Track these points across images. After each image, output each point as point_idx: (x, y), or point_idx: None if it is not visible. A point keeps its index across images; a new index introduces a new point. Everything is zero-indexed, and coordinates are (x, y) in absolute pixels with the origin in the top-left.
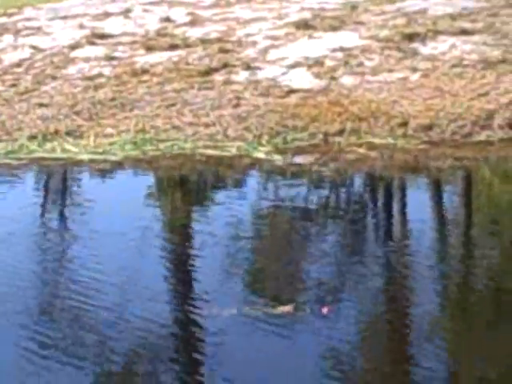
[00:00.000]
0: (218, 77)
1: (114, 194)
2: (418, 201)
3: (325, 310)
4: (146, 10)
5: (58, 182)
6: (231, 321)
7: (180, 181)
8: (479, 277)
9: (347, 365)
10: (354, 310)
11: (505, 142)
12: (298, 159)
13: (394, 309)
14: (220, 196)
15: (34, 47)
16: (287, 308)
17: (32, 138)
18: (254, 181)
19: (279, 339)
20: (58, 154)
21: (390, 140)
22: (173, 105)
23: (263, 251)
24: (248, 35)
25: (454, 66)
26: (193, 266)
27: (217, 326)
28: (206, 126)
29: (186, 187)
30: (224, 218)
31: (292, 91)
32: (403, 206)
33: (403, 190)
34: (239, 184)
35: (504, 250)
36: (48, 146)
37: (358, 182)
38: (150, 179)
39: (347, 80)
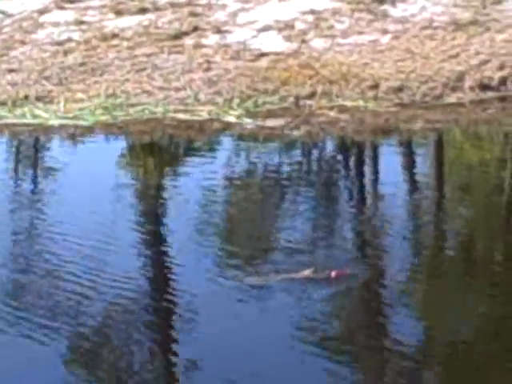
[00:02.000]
0: (189, 41)
1: (85, 159)
2: (390, 163)
3: (333, 274)
4: None
5: (28, 148)
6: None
7: (151, 145)
8: (449, 238)
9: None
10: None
11: (475, 103)
12: (269, 122)
13: (366, 271)
14: (192, 160)
15: (2, 12)
16: (307, 272)
17: (1, 103)
18: (225, 144)
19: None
20: (29, 120)
21: (361, 102)
22: (143, 69)
23: (236, 216)
24: None
25: (424, 28)
26: (166, 230)
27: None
28: (177, 90)
29: (157, 151)
30: (196, 182)
31: (262, 55)
32: (375, 168)
33: (374, 152)
34: (211, 148)
35: (474, 211)
36: (18, 111)
37: (330, 144)
38: (121, 144)
39: (318, 43)
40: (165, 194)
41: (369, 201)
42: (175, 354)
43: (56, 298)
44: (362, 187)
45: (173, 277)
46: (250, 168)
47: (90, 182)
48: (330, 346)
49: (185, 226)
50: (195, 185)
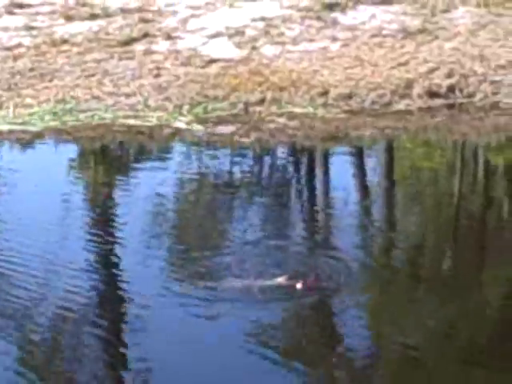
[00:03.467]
0: (139, 47)
1: (33, 165)
2: (339, 170)
3: (299, 286)
4: None
5: None
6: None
7: (101, 151)
8: (399, 242)
9: None
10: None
11: (423, 110)
12: (219, 129)
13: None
14: (141, 166)
15: None
16: (280, 279)
17: None
18: (174, 151)
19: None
20: None
21: (311, 109)
22: (93, 75)
23: (188, 222)
24: (168, 5)
25: (373, 35)
26: (116, 238)
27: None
28: (127, 96)
29: (106, 157)
30: (146, 189)
31: (213, 61)
32: (324, 175)
33: (324, 159)
34: (160, 154)
35: (424, 216)
36: None
37: (279, 151)
38: (70, 150)
39: (268, 50)
40: (114, 201)
41: (319, 207)
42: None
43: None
44: (312, 194)
45: (126, 286)
46: (200, 174)
47: (39, 187)
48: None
49: (136, 233)
50: (145, 191)
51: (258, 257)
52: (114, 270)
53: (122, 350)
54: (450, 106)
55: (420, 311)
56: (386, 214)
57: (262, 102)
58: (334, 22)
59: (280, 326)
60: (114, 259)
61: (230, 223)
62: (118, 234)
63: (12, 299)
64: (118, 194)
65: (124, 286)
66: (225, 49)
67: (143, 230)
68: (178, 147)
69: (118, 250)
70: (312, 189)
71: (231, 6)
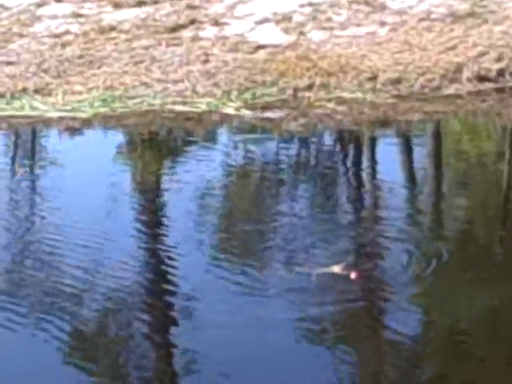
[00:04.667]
0: (186, 33)
1: (84, 152)
2: (389, 155)
3: (353, 276)
4: None
5: (27, 140)
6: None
7: (150, 137)
8: (449, 231)
9: None
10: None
11: (473, 95)
12: (268, 114)
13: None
14: (191, 152)
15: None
16: (336, 268)
17: (0, 96)
18: (223, 136)
19: None
20: (27, 112)
21: (359, 94)
22: (141, 61)
23: (238, 209)
24: None
25: (422, 19)
26: (166, 225)
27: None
28: (175, 82)
29: (156, 144)
30: (196, 175)
31: (260, 47)
32: (374, 161)
33: (373, 144)
34: (209, 140)
35: (474, 204)
36: (16, 103)
37: (328, 136)
38: (119, 136)
39: (316, 35)
40: (164, 187)
41: (368, 194)
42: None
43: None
44: (360, 180)
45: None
46: (249, 160)
47: (89, 174)
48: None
49: (186, 220)
50: (194, 178)
51: (308, 244)
52: (162, 260)
53: (170, 341)
54: (500, 90)
55: (472, 298)
56: (433, 201)
57: (310, 87)
58: (382, 7)
59: (330, 317)
60: (163, 248)
61: (276, 212)
62: (165, 221)
63: (58, 282)
64: (166, 181)
65: (171, 274)
66: (272, 34)
67: (192, 218)
68: (227, 133)
69: (165, 238)
70: (360, 174)
71: None
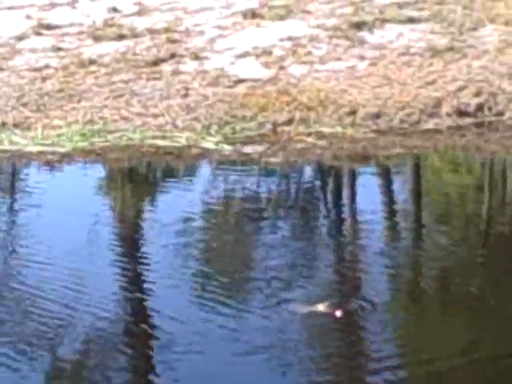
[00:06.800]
0: (167, 67)
1: (63, 187)
2: (368, 190)
3: (339, 314)
4: (92, 0)
5: (6, 175)
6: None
7: (129, 172)
8: (428, 267)
9: None
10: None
11: (453, 129)
12: (248, 149)
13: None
14: (170, 187)
15: None
16: (321, 306)
17: None
18: (203, 171)
19: None
20: (6, 146)
21: (339, 129)
22: (121, 95)
23: (218, 244)
24: (195, 25)
25: (401, 54)
26: (145, 261)
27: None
28: (155, 116)
29: (135, 178)
30: (174, 209)
31: (240, 81)
32: (353, 195)
33: (353, 179)
34: (189, 174)
35: (453, 238)
36: None
37: (308, 171)
38: (99, 171)
39: (296, 69)
40: (143, 222)
41: (348, 229)
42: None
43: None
44: (340, 214)
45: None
46: (228, 195)
47: (67, 210)
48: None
49: (166, 256)
50: (173, 212)
51: (289, 282)
52: (141, 293)
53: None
54: (479, 125)
55: (451, 331)
56: (414, 234)
57: (290, 121)
58: (362, 41)
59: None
60: (142, 281)
61: (256, 247)
62: (145, 255)
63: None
64: (146, 215)
65: (152, 308)
66: (252, 68)
67: (171, 252)
68: (206, 167)
69: (145, 272)
70: (340, 209)
71: (258, 25)
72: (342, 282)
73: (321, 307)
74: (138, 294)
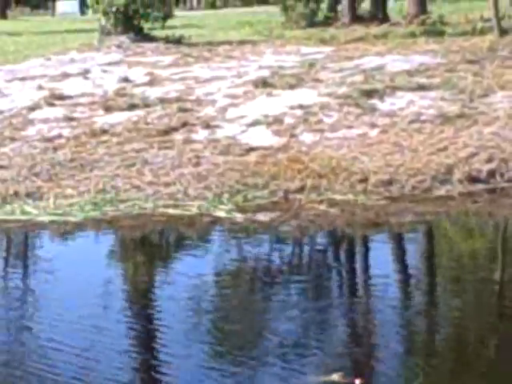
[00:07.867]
0: (178, 136)
1: (75, 256)
2: (380, 257)
3: (358, 382)
4: (104, 71)
5: (18, 245)
6: None
7: (141, 241)
8: (443, 331)
9: None
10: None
11: (465, 195)
12: (259, 217)
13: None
14: (182, 256)
15: None
16: (335, 376)
17: None
18: (215, 239)
19: None
20: (18, 216)
21: (351, 196)
22: (133, 164)
23: (229, 314)
24: (207, 94)
25: (412, 121)
26: (158, 330)
27: None
28: (167, 185)
29: (147, 247)
30: (188, 278)
31: (252, 149)
32: (365, 262)
33: (365, 246)
34: (201, 243)
35: (467, 304)
36: (8, 208)
37: (320, 239)
38: (110, 240)
39: (307, 137)
40: (156, 290)
41: (362, 297)
42: None
43: None
44: (353, 281)
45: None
46: (241, 263)
47: (80, 279)
48: None
49: (178, 325)
50: (185, 280)
51: (302, 351)
52: (154, 361)
53: None
54: (491, 191)
55: None
56: (428, 303)
57: (301, 189)
58: (373, 109)
59: None
60: (154, 350)
61: (269, 314)
62: (158, 324)
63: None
64: (158, 283)
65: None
66: (263, 137)
67: (184, 321)
68: (218, 236)
69: (157, 341)
70: (352, 275)
71: (269, 94)
72: (355, 350)
73: (335, 377)
74: (150, 362)
